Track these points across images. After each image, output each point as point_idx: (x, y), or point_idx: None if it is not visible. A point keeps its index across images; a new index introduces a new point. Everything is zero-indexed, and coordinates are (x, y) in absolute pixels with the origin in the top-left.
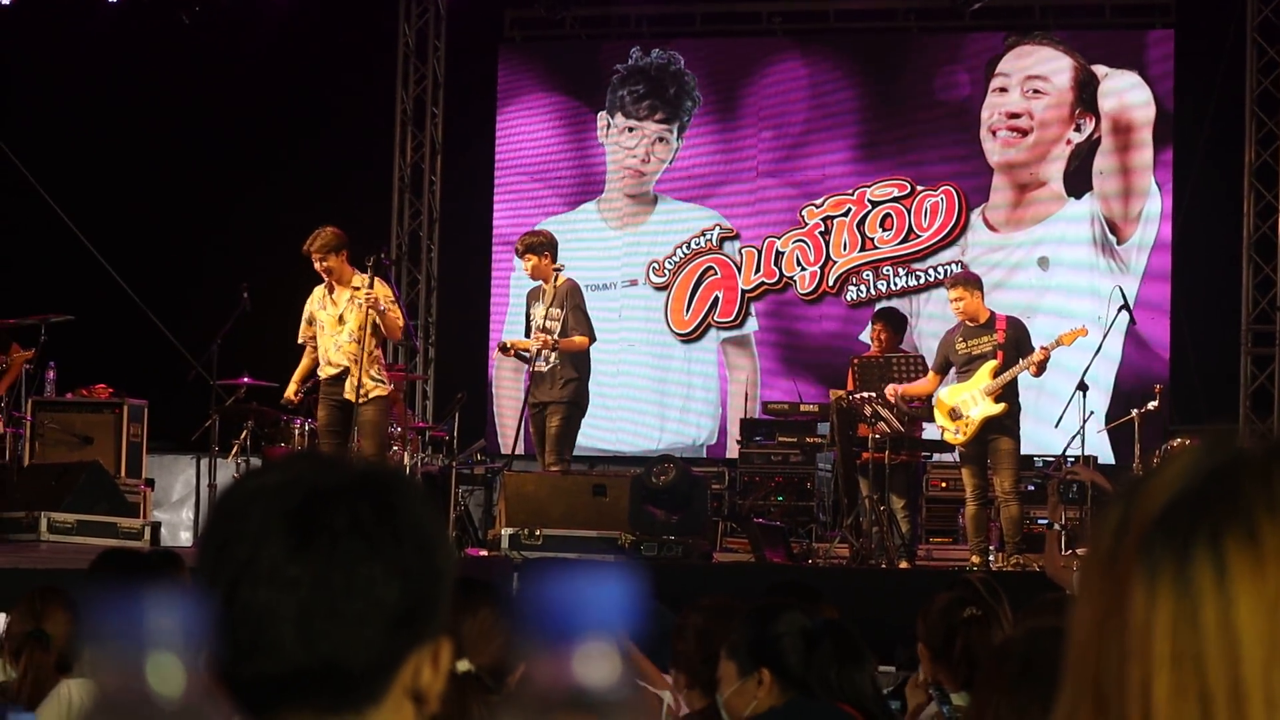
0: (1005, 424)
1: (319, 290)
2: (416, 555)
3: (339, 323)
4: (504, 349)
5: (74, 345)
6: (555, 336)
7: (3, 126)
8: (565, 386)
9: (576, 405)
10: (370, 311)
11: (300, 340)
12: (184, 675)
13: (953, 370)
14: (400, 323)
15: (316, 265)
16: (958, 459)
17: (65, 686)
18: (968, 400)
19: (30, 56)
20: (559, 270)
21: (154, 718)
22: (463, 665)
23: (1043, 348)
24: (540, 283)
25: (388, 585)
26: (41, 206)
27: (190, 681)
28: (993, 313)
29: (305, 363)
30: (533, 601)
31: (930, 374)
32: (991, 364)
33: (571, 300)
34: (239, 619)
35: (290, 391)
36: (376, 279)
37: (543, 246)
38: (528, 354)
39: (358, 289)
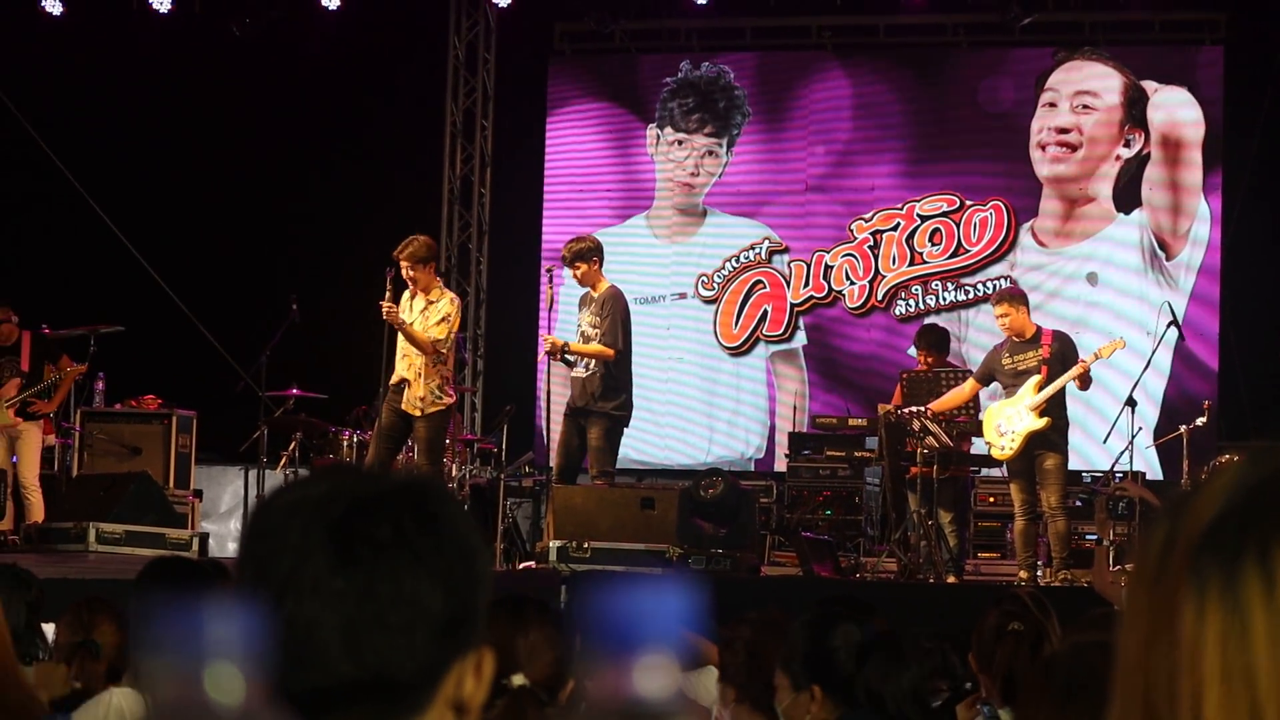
0: (1051, 439)
1: (404, 295)
2: (459, 564)
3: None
4: (551, 351)
5: (123, 356)
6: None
7: (53, 138)
8: (604, 398)
9: (616, 418)
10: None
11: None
12: (242, 684)
13: (998, 386)
14: (427, 338)
15: (404, 272)
16: (1006, 474)
17: (110, 694)
18: (1012, 415)
19: (80, 68)
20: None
21: None
22: (518, 679)
23: (1081, 361)
24: (589, 289)
25: (432, 594)
26: (91, 217)
27: (249, 690)
28: (1039, 328)
29: None
30: (588, 614)
31: (969, 381)
32: (1036, 379)
33: (610, 307)
34: (285, 632)
35: None
36: (446, 295)
37: (590, 253)
38: (572, 359)
39: (433, 303)
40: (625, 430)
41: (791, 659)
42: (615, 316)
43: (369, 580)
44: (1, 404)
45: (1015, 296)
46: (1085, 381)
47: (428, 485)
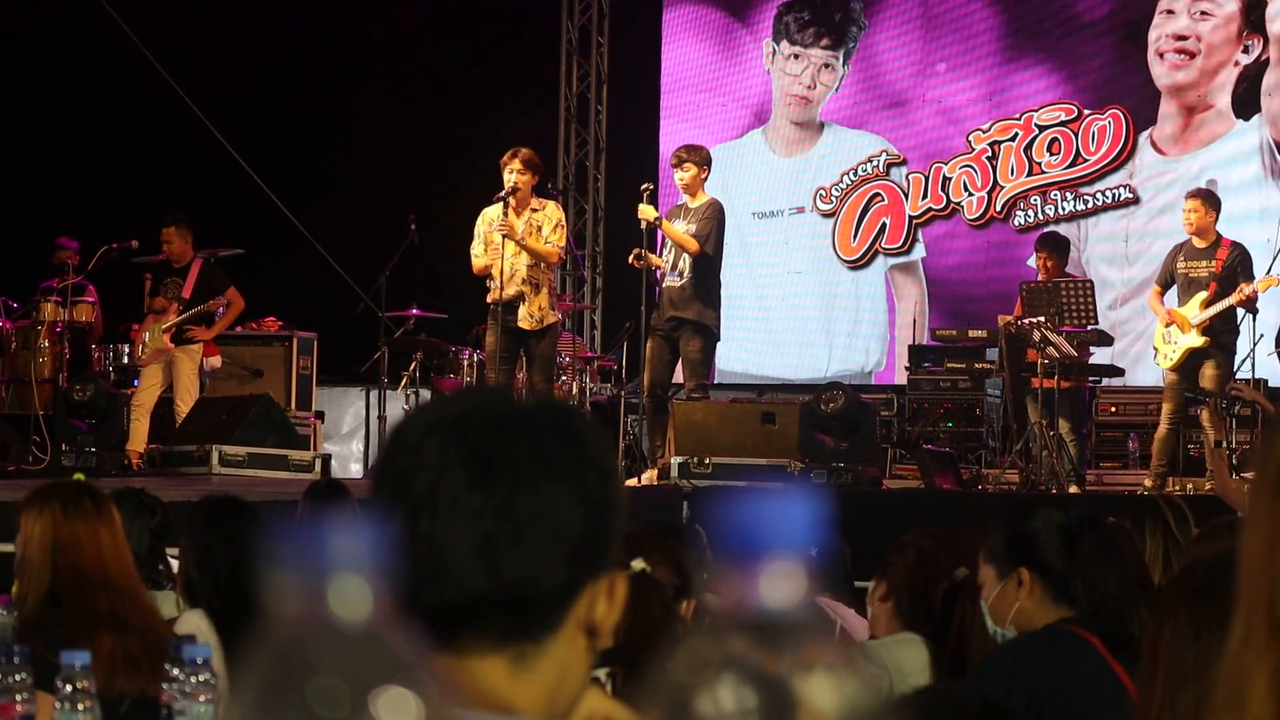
0: (1212, 354)
1: (492, 211)
2: (597, 484)
3: (517, 246)
4: (638, 257)
5: (243, 279)
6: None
7: (170, 61)
8: (704, 309)
9: (713, 332)
10: (522, 239)
11: (478, 265)
12: (369, 599)
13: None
14: (555, 252)
15: (513, 177)
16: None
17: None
18: (1175, 330)
19: None
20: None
21: (339, 642)
22: (638, 564)
23: (1239, 288)
24: (685, 199)
25: (570, 513)
26: (210, 141)
27: (375, 605)
28: (1219, 235)
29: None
30: (712, 528)
31: (1154, 286)
32: (1203, 296)
33: (711, 213)
34: (419, 549)
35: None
36: (548, 203)
37: (703, 160)
38: (659, 269)
39: (536, 211)
40: (728, 344)
41: (993, 547)
42: (715, 222)
43: (508, 496)
44: (157, 328)
45: (1208, 196)
46: (1248, 303)
47: (566, 406)
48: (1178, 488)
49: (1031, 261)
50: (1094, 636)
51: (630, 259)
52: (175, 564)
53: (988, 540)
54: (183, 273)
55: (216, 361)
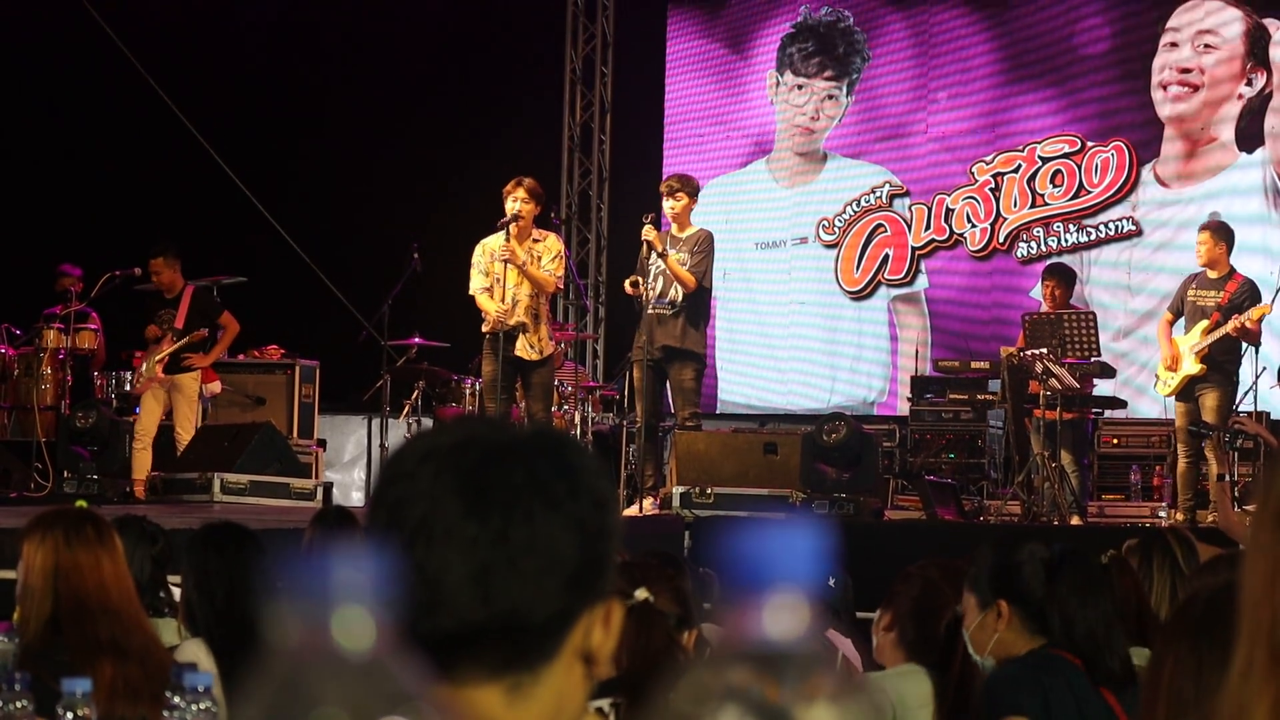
0: (1211, 381)
1: (492, 242)
2: (593, 512)
3: (520, 276)
4: (634, 284)
5: (246, 307)
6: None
7: (174, 88)
8: (695, 339)
9: (703, 359)
10: (524, 265)
11: (474, 292)
12: (371, 629)
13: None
14: (551, 280)
15: (516, 205)
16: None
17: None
18: (1180, 355)
19: (199, 17)
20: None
21: (342, 672)
22: (641, 594)
23: (1235, 318)
24: (672, 228)
25: (566, 541)
26: (213, 168)
27: (378, 635)
28: (1233, 269)
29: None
30: (713, 558)
31: (1165, 314)
32: (1205, 324)
33: (705, 245)
34: (414, 577)
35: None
36: (549, 235)
37: (694, 190)
38: (641, 295)
39: (538, 241)
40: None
41: (978, 576)
42: (708, 254)
43: (503, 525)
44: (151, 359)
45: (1218, 229)
46: (1245, 334)
47: (561, 434)
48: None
49: (1036, 291)
50: (1078, 660)
51: (626, 287)
52: (177, 591)
53: (972, 569)
54: (175, 303)
55: (216, 388)
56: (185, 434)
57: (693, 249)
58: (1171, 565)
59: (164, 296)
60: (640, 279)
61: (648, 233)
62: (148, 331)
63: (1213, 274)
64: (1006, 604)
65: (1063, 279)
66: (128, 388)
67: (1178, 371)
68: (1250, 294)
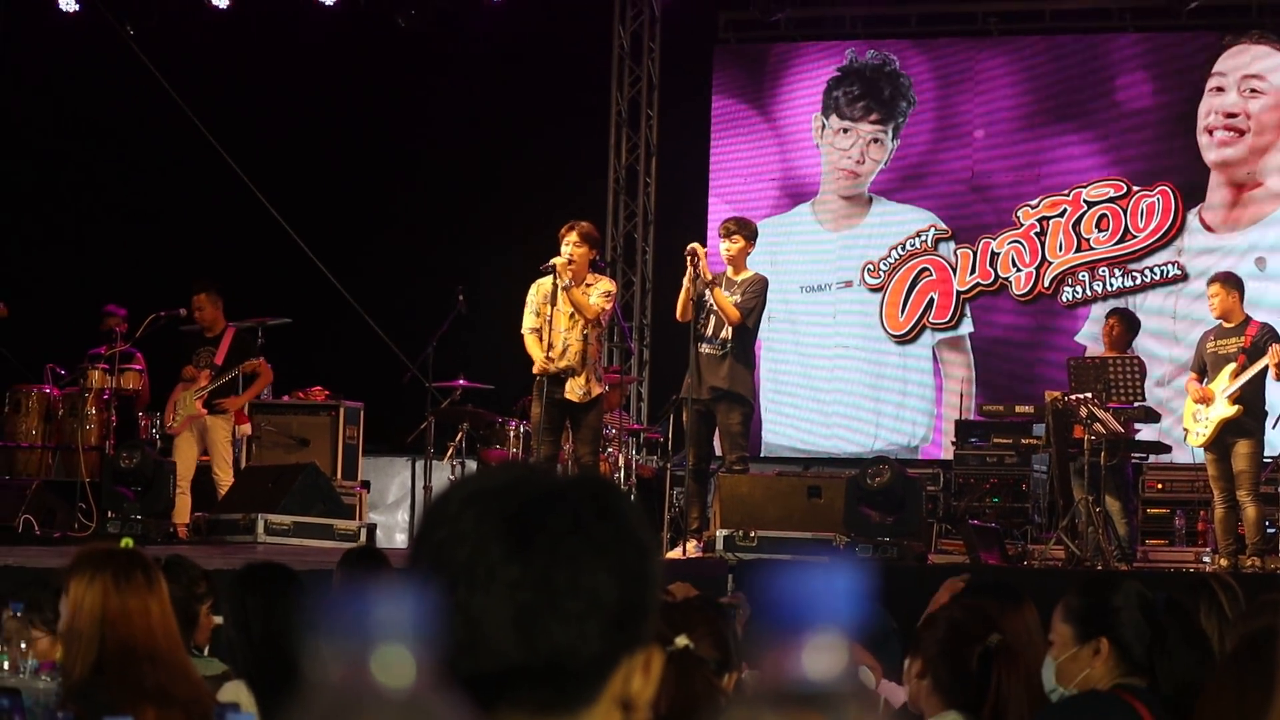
0: (1246, 426)
1: (547, 283)
2: (635, 558)
3: (570, 320)
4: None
5: (291, 348)
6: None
7: (220, 130)
8: (744, 381)
9: (752, 404)
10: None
11: (525, 331)
12: (411, 667)
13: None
14: (595, 309)
15: (568, 250)
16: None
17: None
18: (1204, 407)
19: (246, 61)
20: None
21: (382, 711)
22: (682, 641)
23: (1275, 348)
24: (728, 270)
25: (608, 586)
26: (258, 210)
27: (418, 674)
28: (1248, 316)
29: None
30: (757, 600)
31: (1190, 374)
32: (1232, 366)
33: (757, 288)
34: (456, 619)
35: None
36: (603, 278)
37: (751, 234)
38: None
39: (590, 285)
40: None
41: (1075, 608)
42: (760, 298)
43: (545, 568)
44: (191, 394)
45: (1228, 280)
46: None
47: (605, 480)
48: (1248, 565)
49: (1081, 335)
50: (1141, 704)
51: (685, 254)
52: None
53: (1069, 599)
54: (215, 341)
55: (247, 429)
56: (223, 475)
57: (744, 290)
58: (1219, 612)
59: (205, 335)
60: (699, 249)
61: (694, 247)
62: (185, 370)
63: (1229, 324)
64: (1108, 642)
65: (1123, 319)
66: (161, 429)
67: (1209, 410)
68: (1271, 336)
